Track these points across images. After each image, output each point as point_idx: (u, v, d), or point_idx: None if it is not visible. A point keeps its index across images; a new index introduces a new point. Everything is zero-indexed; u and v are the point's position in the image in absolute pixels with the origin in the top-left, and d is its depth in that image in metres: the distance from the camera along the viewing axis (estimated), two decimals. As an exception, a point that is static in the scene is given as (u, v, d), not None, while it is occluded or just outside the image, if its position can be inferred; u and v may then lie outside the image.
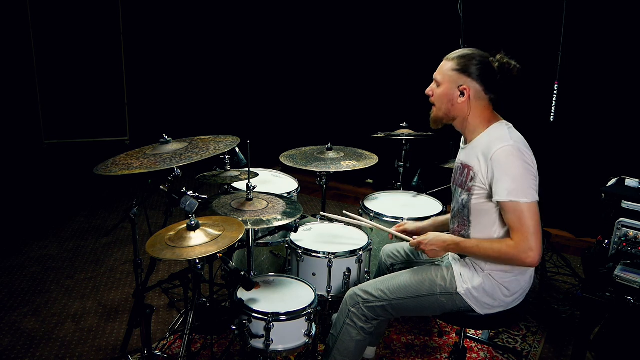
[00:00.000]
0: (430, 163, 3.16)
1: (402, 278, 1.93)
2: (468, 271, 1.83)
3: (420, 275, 1.91)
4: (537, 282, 3.09)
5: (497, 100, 1.82)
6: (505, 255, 1.70)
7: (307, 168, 2.63)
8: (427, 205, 2.81)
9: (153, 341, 2.51)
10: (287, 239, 2.42)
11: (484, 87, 1.77)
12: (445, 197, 2.81)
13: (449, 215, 2.02)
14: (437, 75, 1.85)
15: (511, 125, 1.81)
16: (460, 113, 1.82)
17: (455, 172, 1.94)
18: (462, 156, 1.88)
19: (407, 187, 3.07)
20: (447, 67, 1.81)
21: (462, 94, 1.78)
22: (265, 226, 2.06)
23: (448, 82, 1.81)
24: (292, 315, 1.94)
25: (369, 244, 2.39)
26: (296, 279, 2.23)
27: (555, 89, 2.93)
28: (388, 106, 4.72)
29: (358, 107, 5.01)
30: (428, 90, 1.89)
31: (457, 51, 1.83)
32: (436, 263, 2.05)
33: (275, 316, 1.91)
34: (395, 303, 1.90)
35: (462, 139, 1.92)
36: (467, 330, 2.58)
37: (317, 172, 2.74)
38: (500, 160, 1.68)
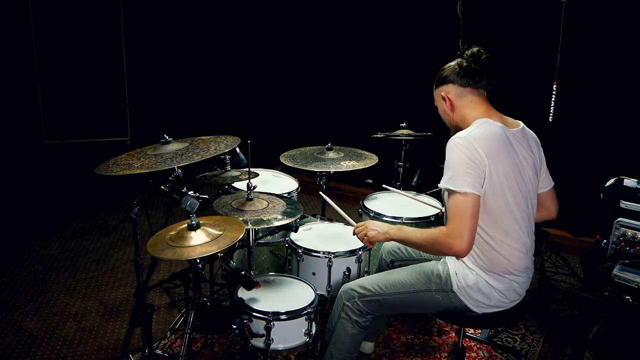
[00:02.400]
0: (429, 163, 3.17)
1: (398, 274, 1.96)
2: (463, 270, 1.83)
3: (417, 272, 1.93)
4: (536, 282, 3.10)
5: (484, 91, 1.86)
6: (437, 240, 1.70)
7: (307, 168, 2.65)
8: (427, 205, 2.81)
9: (154, 340, 2.52)
10: (287, 238, 2.43)
11: (458, 83, 1.85)
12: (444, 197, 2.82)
13: None
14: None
15: (498, 121, 1.81)
16: (455, 118, 1.90)
17: None
18: None
19: (406, 187, 3.08)
20: (434, 92, 1.96)
21: (445, 100, 1.89)
22: (266, 226, 2.08)
23: (437, 100, 1.95)
24: (293, 315, 1.95)
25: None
26: (296, 279, 2.24)
27: (554, 89, 2.94)
28: (388, 106, 4.74)
29: (358, 107, 5.03)
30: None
31: None
32: (436, 259, 2.06)
33: (276, 315, 1.92)
34: (390, 298, 1.91)
35: None
36: (467, 329, 2.59)
37: (317, 172, 2.75)
38: (447, 150, 1.74)
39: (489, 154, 1.69)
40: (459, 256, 1.74)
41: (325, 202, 2.39)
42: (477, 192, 1.67)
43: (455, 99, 1.87)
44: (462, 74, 1.84)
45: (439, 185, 1.74)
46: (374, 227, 1.93)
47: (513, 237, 1.78)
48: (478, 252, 1.79)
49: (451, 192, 1.68)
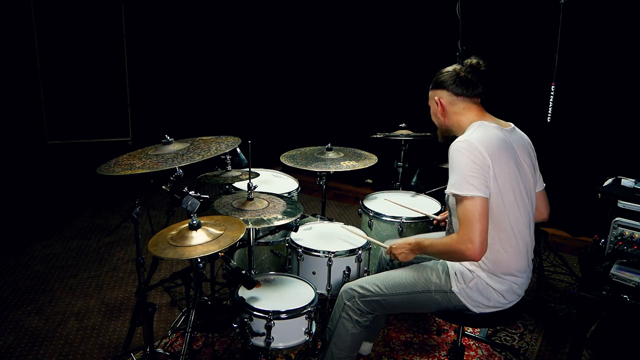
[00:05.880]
0: (428, 163, 3.19)
1: (398, 274, 1.97)
2: (462, 271, 1.85)
3: (416, 273, 1.94)
4: (535, 281, 3.11)
5: (477, 99, 1.88)
6: (450, 248, 1.73)
7: (307, 168, 2.66)
8: (426, 205, 2.83)
9: (155, 339, 2.54)
10: (287, 238, 2.45)
11: (452, 91, 1.87)
12: (443, 197, 2.84)
13: None
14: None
15: (497, 124, 1.83)
16: (446, 122, 1.94)
17: None
18: None
19: (406, 187, 3.10)
20: (429, 93, 1.98)
21: (438, 104, 1.92)
22: (266, 225, 2.09)
23: (430, 101, 1.97)
24: (293, 314, 1.97)
25: (368, 243, 2.42)
26: (296, 278, 2.26)
27: (552, 90, 2.96)
28: (387, 107, 4.75)
29: (358, 107, 5.04)
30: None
31: None
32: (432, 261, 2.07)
33: (276, 314, 1.94)
34: (390, 298, 1.93)
35: None
36: (465, 328, 2.61)
37: (317, 172, 2.77)
38: (450, 155, 1.75)
39: (491, 155, 1.71)
40: (474, 260, 1.73)
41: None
42: (484, 194, 1.67)
43: (447, 105, 1.90)
44: (457, 82, 1.86)
45: (446, 191, 1.75)
46: (400, 251, 1.97)
47: (517, 235, 1.79)
48: (485, 256, 1.78)
49: (458, 197, 1.69)
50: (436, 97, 1.92)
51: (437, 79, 1.93)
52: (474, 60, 1.86)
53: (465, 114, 1.87)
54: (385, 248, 2.08)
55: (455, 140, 1.76)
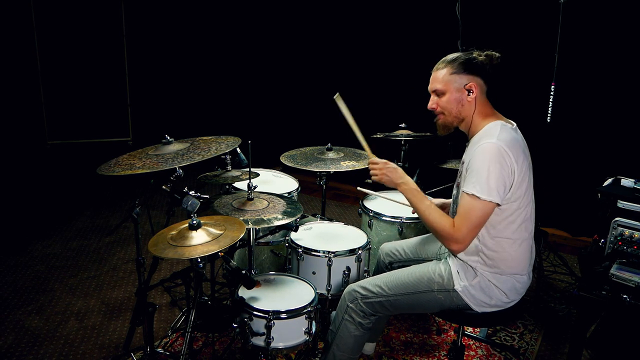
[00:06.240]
0: (428, 163, 3.19)
1: (400, 275, 1.97)
2: (465, 269, 1.86)
3: (418, 273, 1.94)
4: (535, 281, 3.11)
5: (489, 92, 1.88)
6: (442, 230, 1.75)
7: (307, 168, 2.66)
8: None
9: (155, 339, 2.54)
10: (287, 238, 2.45)
11: (483, 80, 1.83)
12: (443, 197, 2.83)
13: None
14: (435, 85, 1.86)
15: (509, 124, 1.84)
16: (468, 112, 1.84)
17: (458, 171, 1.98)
18: (464, 155, 1.92)
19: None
20: (443, 74, 1.84)
21: (470, 91, 1.81)
22: (266, 225, 2.09)
23: (451, 86, 1.83)
24: (293, 314, 1.97)
25: (368, 242, 2.42)
26: (296, 278, 2.26)
27: (552, 90, 2.96)
28: (387, 107, 4.75)
29: (357, 107, 5.01)
30: (431, 105, 1.90)
31: (443, 59, 1.87)
32: (436, 259, 2.07)
33: (276, 314, 1.94)
34: (393, 299, 1.93)
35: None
36: (465, 328, 2.61)
37: (317, 172, 2.77)
38: (478, 154, 1.72)
39: (517, 160, 1.71)
40: (452, 251, 1.81)
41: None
42: (499, 201, 1.69)
43: (480, 94, 1.83)
44: (490, 72, 1.81)
45: (465, 189, 1.73)
46: (382, 172, 1.97)
47: (526, 234, 1.82)
48: (490, 254, 1.81)
49: (473, 196, 1.69)
50: (470, 83, 1.80)
51: (467, 61, 1.80)
52: (496, 55, 1.81)
53: (485, 109, 1.84)
54: (370, 157, 2.05)
55: (484, 141, 1.73)
